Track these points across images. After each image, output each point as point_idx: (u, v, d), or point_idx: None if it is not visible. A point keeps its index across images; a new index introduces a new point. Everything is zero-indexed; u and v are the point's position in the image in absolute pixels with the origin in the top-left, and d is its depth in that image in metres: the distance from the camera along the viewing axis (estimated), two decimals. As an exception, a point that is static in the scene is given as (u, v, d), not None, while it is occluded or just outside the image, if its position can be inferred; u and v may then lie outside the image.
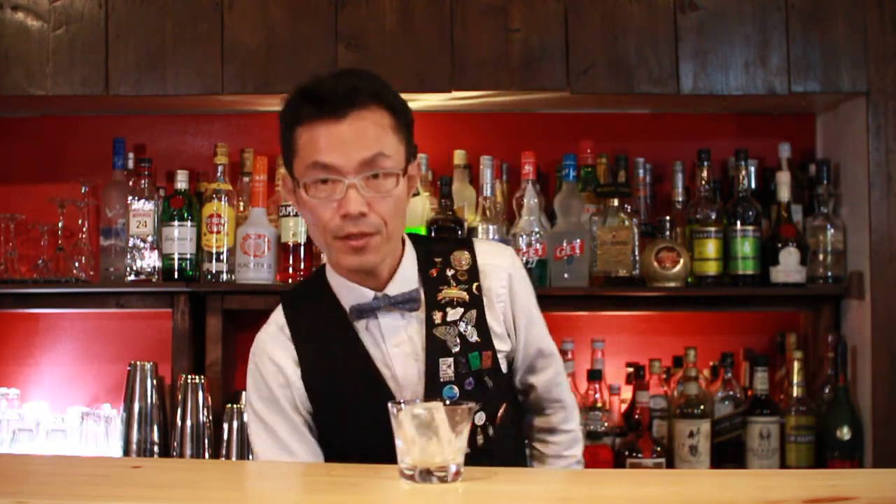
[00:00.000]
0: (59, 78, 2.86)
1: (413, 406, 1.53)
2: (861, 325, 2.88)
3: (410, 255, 1.93)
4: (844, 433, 2.86)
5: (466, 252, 1.96)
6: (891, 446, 2.80)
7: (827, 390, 2.94)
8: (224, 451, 2.78)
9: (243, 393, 2.92)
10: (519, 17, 2.85)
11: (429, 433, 1.50)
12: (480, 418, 1.91)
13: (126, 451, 2.78)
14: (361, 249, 1.81)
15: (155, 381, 2.82)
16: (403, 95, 2.83)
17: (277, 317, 1.96)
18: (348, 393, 1.89)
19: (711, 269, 2.91)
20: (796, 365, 2.93)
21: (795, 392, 2.92)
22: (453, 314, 1.91)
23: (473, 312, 1.92)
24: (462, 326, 1.91)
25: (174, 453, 2.78)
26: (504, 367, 1.97)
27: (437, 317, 1.90)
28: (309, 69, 2.83)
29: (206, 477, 1.67)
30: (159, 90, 2.87)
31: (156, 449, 2.79)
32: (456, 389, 1.90)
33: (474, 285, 1.93)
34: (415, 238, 2.00)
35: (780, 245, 2.91)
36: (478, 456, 1.83)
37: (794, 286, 2.91)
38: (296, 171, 1.83)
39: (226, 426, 2.78)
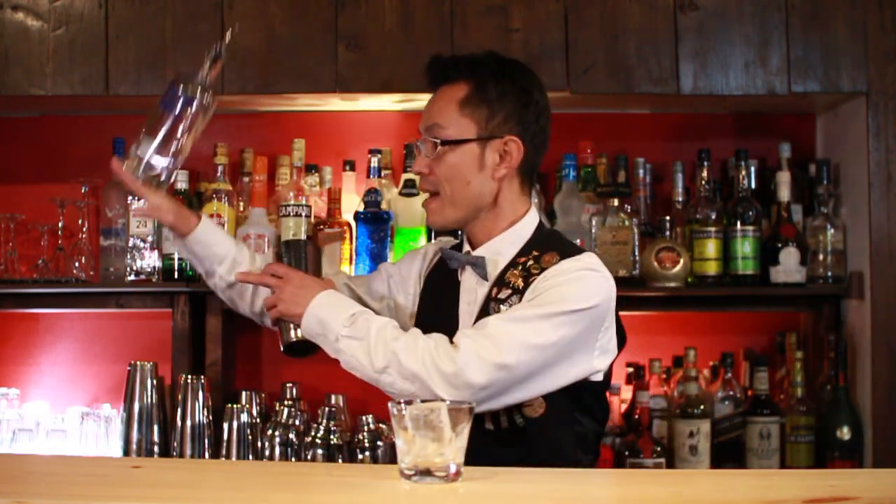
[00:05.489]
0: (59, 78, 2.85)
1: (414, 406, 1.53)
2: (861, 325, 2.88)
3: (514, 237, 2.05)
4: (844, 433, 2.86)
5: (559, 257, 1.99)
6: (891, 446, 2.80)
7: (827, 390, 2.94)
8: (224, 451, 2.78)
9: (243, 393, 2.93)
10: (519, 17, 2.85)
11: (429, 433, 1.50)
12: None
13: (126, 451, 2.77)
14: (428, 209, 2.08)
15: (155, 381, 2.82)
16: (402, 96, 2.91)
17: (436, 245, 2.24)
18: (429, 322, 2.06)
19: (711, 269, 2.91)
20: (796, 365, 2.93)
21: (795, 392, 2.92)
22: (504, 293, 2.01)
23: (516, 299, 1.99)
24: (504, 307, 1.98)
25: (174, 453, 2.78)
26: None
27: (495, 291, 2.02)
28: (309, 69, 2.84)
29: (206, 477, 1.67)
30: (159, 90, 2.84)
31: (156, 449, 2.79)
32: None
33: (531, 279, 1.98)
34: (548, 232, 2.12)
35: (780, 245, 2.91)
36: (506, 437, 1.95)
37: (794, 286, 2.91)
38: None
39: (226, 426, 2.78)
